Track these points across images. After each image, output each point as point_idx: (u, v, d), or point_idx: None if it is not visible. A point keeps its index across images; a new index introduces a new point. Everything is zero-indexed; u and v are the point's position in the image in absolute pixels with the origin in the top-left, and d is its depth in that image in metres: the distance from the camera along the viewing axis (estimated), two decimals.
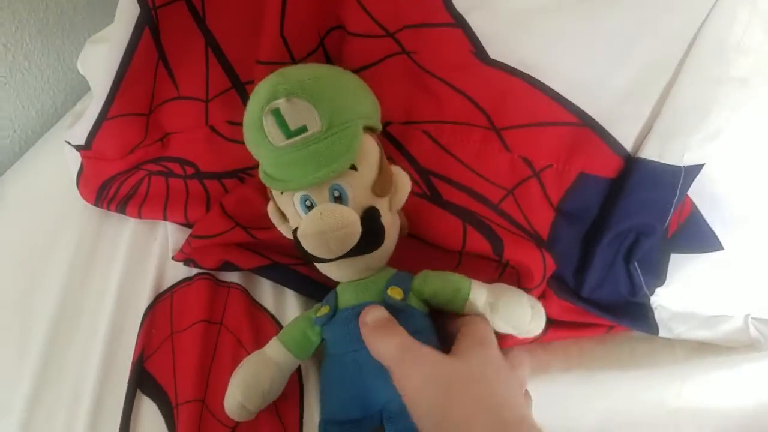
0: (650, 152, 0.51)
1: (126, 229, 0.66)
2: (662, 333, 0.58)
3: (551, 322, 0.57)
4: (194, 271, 0.62)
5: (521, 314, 0.46)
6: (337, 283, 0.50)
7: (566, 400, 0.54)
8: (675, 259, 0.58)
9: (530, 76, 0.51)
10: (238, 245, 0.61)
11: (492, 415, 0.37)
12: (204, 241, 0.60)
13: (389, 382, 0.41)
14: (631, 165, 0.52)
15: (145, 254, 0.64)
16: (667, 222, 0.54)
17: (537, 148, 0.54)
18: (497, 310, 0.46)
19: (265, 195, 0.59)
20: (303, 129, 0.42)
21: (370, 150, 0.46)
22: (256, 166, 0.62)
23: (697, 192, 0.55)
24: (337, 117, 0.43)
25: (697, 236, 0.57)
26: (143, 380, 0.56)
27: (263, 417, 0.53)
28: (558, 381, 0.55)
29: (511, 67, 0.51)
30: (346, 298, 0.48)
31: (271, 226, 0.58)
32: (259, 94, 0.44)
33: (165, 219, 0.64)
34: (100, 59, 0.59)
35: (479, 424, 0.36)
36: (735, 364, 0.56)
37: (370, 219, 0.45)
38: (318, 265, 0.49)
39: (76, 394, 0.55)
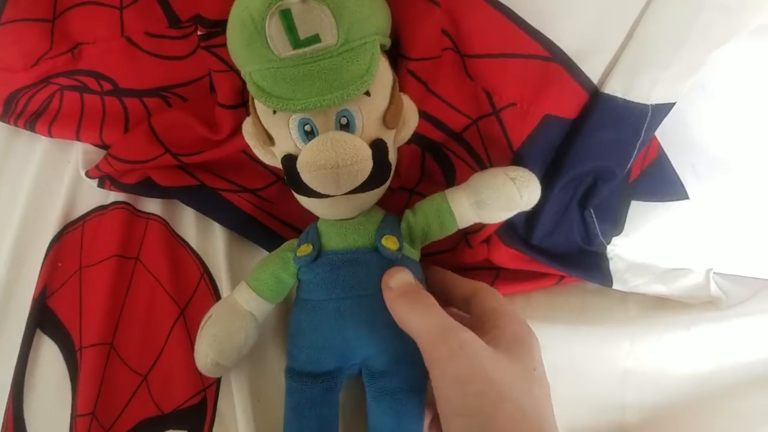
0: (614, 87, 0.45)
1: (36, 149, 0.58)
2: (616, 285, 0.54)
3: (499, 271, 0.54)
4: (110, 199, 0.56)
5: (509, 195, 0.43)
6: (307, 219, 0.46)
7: None
8: (635, 206, 0.53)
9: (499, 2, 0.44)
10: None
11: None
12: (126, 165, 0.54)
13: (376, 336, 0.41)
14: (593, 102, 0.46)
15: (55, 178, 0.57)
16: (629, 166, 0.49)
17: (501, 82, 0.47)
18: (485, 205, 0.43)
19: (203, 120, 0.53)
20: (315, 39, 0.36)
21: (385, 73, 0.41)
22: (182, 84, 0.56)
23: (665, 134, 0.50)
24: (356, 30, 0.37)
25: (662, 183, 0.52)
26: (45, 318, 0.51)
27: (178, 366, 0.49)
28: None
29: None
30: (331, 239, 0.43)
31: (204, 151, 0.52)
32: None
33: (78, 139, 0.57)
34: None
35: None
36: (691, 324, 0.53)
37: (380, 153, 0.40)
38: (304, 200, 0.44)
39: None
